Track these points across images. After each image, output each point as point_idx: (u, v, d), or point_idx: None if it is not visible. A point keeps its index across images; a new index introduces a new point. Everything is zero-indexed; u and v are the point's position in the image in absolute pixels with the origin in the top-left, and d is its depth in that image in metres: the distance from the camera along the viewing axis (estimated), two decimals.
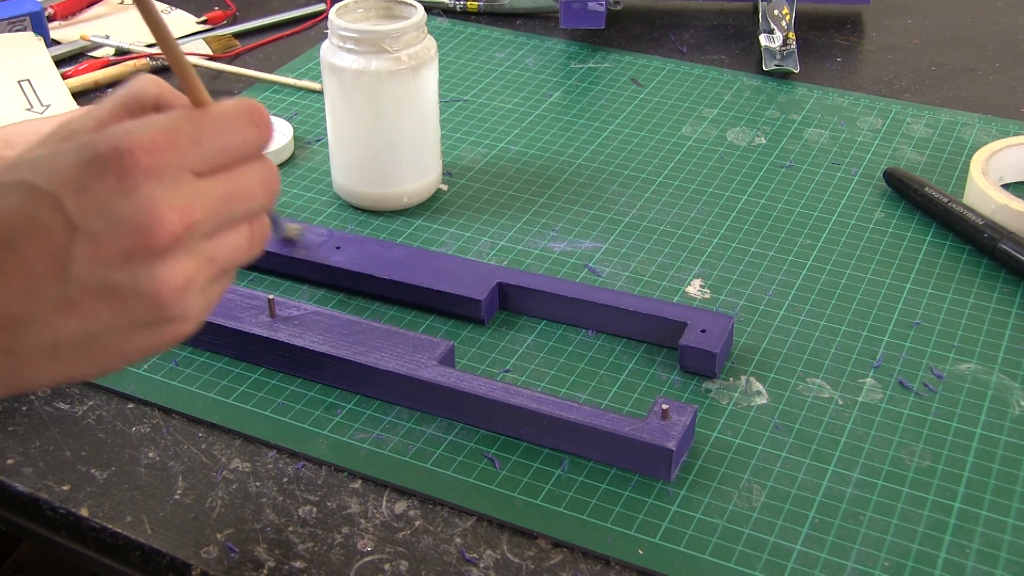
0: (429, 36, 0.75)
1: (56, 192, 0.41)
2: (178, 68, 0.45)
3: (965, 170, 0.81)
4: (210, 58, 0.99)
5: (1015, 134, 0.87)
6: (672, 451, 0.56)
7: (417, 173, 0.78)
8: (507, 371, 0.64)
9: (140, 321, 0.42)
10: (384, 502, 0.57)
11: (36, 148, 0.44)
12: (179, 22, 1.07)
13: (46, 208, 0.40)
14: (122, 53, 0.98)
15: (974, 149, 0.84)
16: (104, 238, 0.40)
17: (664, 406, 0.57)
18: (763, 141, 0.87)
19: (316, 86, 0.94)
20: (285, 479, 0.58)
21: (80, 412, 0.62)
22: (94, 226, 0.40)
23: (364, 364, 0.61)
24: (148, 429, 0.61)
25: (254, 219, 0.46)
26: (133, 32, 1.04)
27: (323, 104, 0.91)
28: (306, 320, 0.64)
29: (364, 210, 0.79)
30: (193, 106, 0.45)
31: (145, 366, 0.65)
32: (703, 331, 0.63)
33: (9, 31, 1.00)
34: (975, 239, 0.73)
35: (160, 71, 0.98)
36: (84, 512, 0.56)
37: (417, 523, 0.55)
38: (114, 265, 0.41)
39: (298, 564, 0.53)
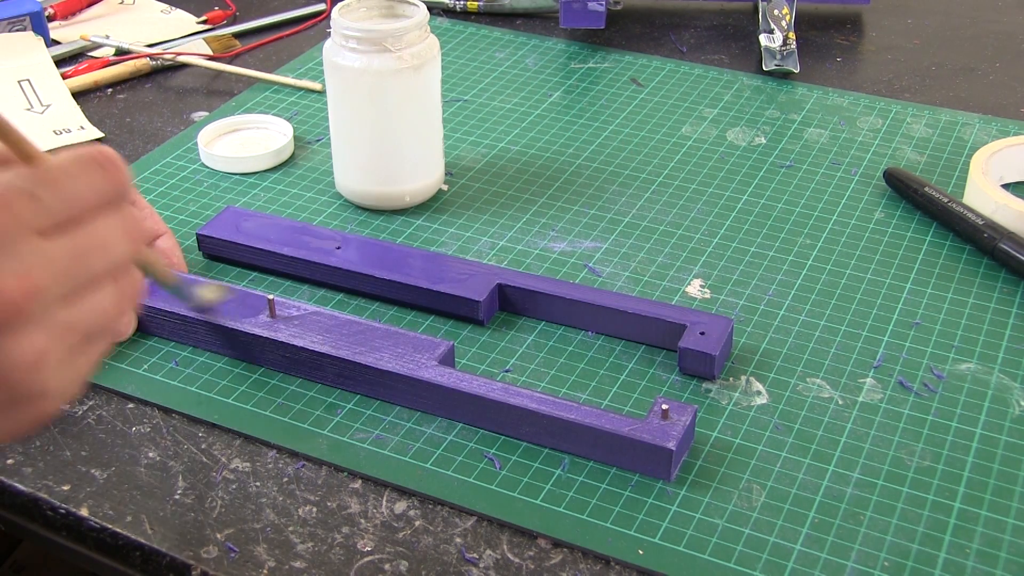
0: (431, 35, 0.75)
1: None
2: None
3: (965, 170, 0.81)
4: (210, 58, 0.99)
5: (1015, 134, 0.87)
6: (672, 451, 0.56)
7: (420, 172, 0.78)
8: (507, 371, 0.64)
9: None
10: (384, 502, 0.57)
11: None
12: (179, 22, 1.07)
13: None
14: (122, 53, 0.98)
15: (974, 149, 0.84)
16: None
17: (664, 406, 0.57)
18: (763, 141, 0.87)
19: (316, 86, 0.94)
20: (285, 479, 0.58)
21: (80, 412, 0.62)
22: None
23: (364, 364, 0.61)
24: (148, 429, 0.61)
25: (120, 275, 0.41)
26: (133, 32, 1.04)
27: (323, 104, 0.91)
28: (306, 320, 0.64)
29: (365, 209, 0.79)
30: (24, 163, 0.40)
31: (145, 366, 0.65)
32: (702, 333, 0.63)
33: (9, 31, 1.00)
34: (975, 239, 0.73)
35: (160, 71, 0.98)
36: (84, 512, 0.56)
37: (417, 523, 0.55)
38: None
39: (298, 564, 0.53)
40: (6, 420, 0.39)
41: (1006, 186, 0.80)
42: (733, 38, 1.04)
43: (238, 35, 1.04)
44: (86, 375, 0.41)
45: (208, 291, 0.64)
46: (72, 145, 0.40)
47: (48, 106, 0.91)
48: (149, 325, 0.67)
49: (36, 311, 0.37)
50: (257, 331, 0.64)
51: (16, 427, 0.39)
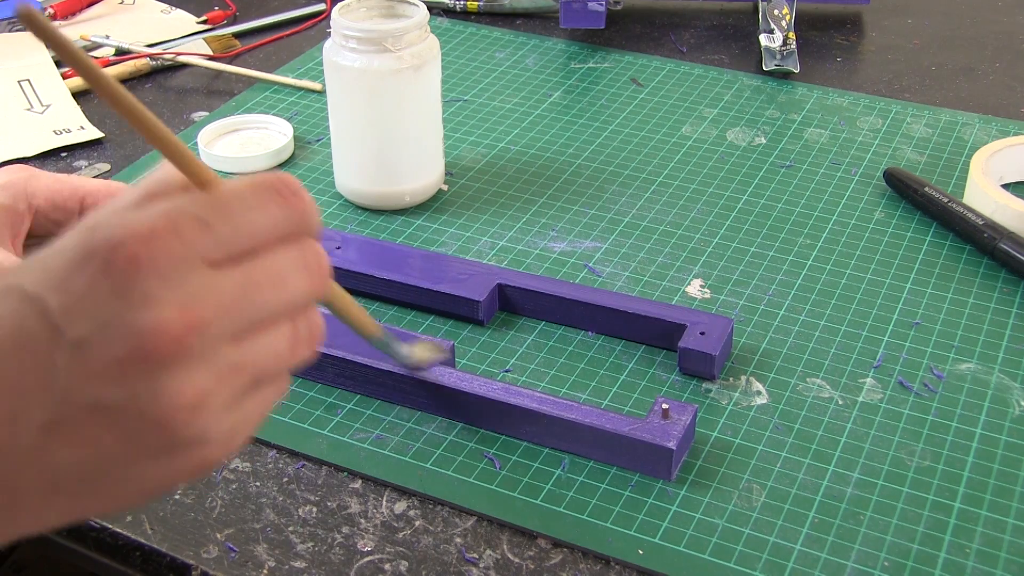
0: (431, 35, 0.75)
1: (42, 295, 0.34)
2: (165, 147, 0.37)
3: (965, 170, 0.81)
4: (210, 58, 0.99)
5: (1015, 134, 0.87)
6: (672, 450, 0.56)
7: (419, 172, 0.78)
8: (507, 371, 0.64)
9: (149, 447, 0.35)
10: (384, 502, 0.57)
11: (52, 244, 0.37)
12: (179, 22, 1.07)
13: (32, 314, 0.34)
14: (122, 53, 0.98)
15: (974, 149, 0.84)
16: (94, 347, 0.34)
17: (664, 406, 0.57)
18: (763, 141, 0.87)
19: (316, 86, 0.94)
20: (285, 479, 0.58)
21: None
22: (82, 332, 0.34)
23: (364, 364, 0.61)
24: None
25: (297, 315, 0.38)
26: (133, 32, 1.04)
27: (323, 104, 0.91)
28: None
29: (365, 209, 0.79)
30: (198, 187, 0.38)
31: None
32: (702, 333, 0.63)
33: (9, 31, 1.00)
34: (975, 239, 0.73)
35: (160, 71, 0.98)
36: None
37: (417, 523, 0.55)
38: (108, 380, 0.34)
39: (298, 564, 0.53)
40: (161, 468, 0.36)
41: (1006, 186, 0.80)
42: (733, 38, 1.04)
43: (238, 35, 1.04)
44: (255, 423, 0.38)
45: (421, 349, 0.59)
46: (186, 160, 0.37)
47: (48, 106, 0.91)
48: None
49: (200, 347, 0.35)
50: None
51: (171, 477, 0.36)
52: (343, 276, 0.70)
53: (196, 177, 0.38)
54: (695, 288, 0.71)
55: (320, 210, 0.78)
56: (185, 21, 1.07)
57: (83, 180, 0.67)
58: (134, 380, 0.34)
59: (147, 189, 0.38)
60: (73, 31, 1.03)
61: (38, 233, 0.67)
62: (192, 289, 0.34)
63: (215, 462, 0.37)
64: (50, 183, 0.65)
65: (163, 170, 0.38)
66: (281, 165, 0.84)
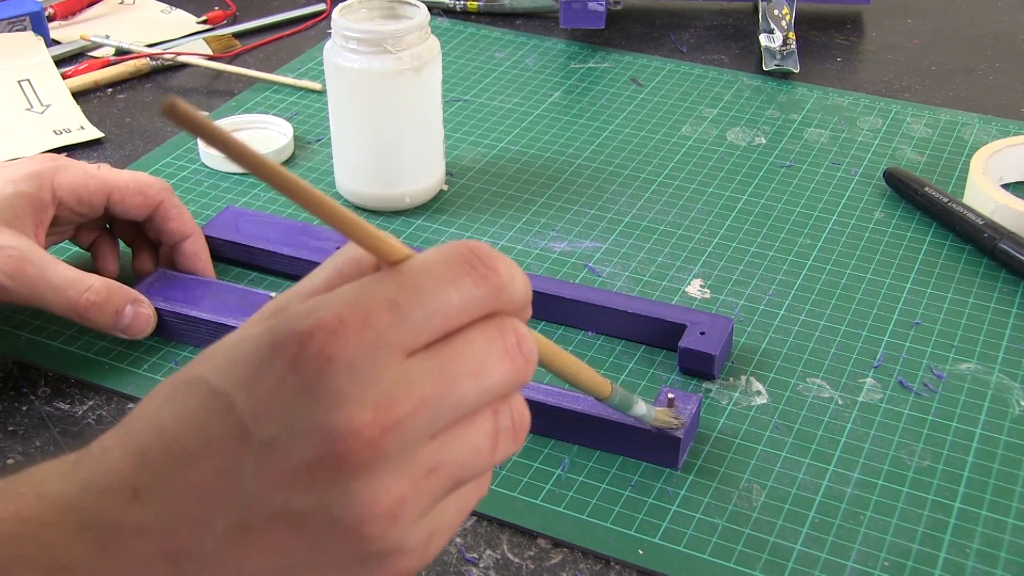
0: (432, 36, 0.75)
1: (229, 392, 0.32)
2: (349, 228, 0.33)
3: (965, 170, 0.81)
4: (210, 58, 0.99)
5: (1015, 134, 0.87)
6: (679, 439, 0.56)
7: (420, 173, 0.78)
8: None
9: (339, 557, 0.33)
10: None
11: (237, 331, 0.34)
12: (179, 22, 1.07)
13: (218, 412, 0.32)
14: (122, 53, 0.98)
15: (974, 149, 0.84)
16: (282, 449, 0.31)
17: (670, 395, 0.57)
18: (763, 141, 0.87)
19: (316, 86, 0.94)
20: None
21: (80, 412, 0.62)
22: (270, 434, 0.32)
23: None
24: None
25: (499, 404, 0.34)
26: (133, 32, 1.04)
27: (323, 104, 0.91)
28: None
29: (365, 210, 0.79)
30: (387, 265, 0.34)
31: (145, 366, 0.65)
32: (702, 333, 0.63)
33: (9, 31, 1.00)
34: (975, 239, 0.73)
35: (160, 71, 0.98)
36: None
37: None
38: (297, 485, 0.32)
39: None
40: None
41: (1006, 186, 0.80)
42: (733, 38, 1.04)
43: (238, 35, 1.04)
44: (454, 529, 0.35)
45: (662, 414, 0.56)
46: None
47: (48, 106, 0.91)
48: None
49: (395, 450, 0.32)
50: None
51: None
52: None
53: (386, 255, 0.34)
54: (695, 288, 0.71)
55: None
56: (185, 21, 1.07)
57: (112, 174, 0.66)
58: (325, 486, 0.31)
59: (337, 269, 0.36)
60: (73, 31, 1.04)
61: (62, 223, 0.67)
62: (385, 385, 0.32)
63: (410, 572, 0.34)
64: (77, 176, 0.65)
65: (352, 248, 0.36)
66: (281, 165, 0.84)
